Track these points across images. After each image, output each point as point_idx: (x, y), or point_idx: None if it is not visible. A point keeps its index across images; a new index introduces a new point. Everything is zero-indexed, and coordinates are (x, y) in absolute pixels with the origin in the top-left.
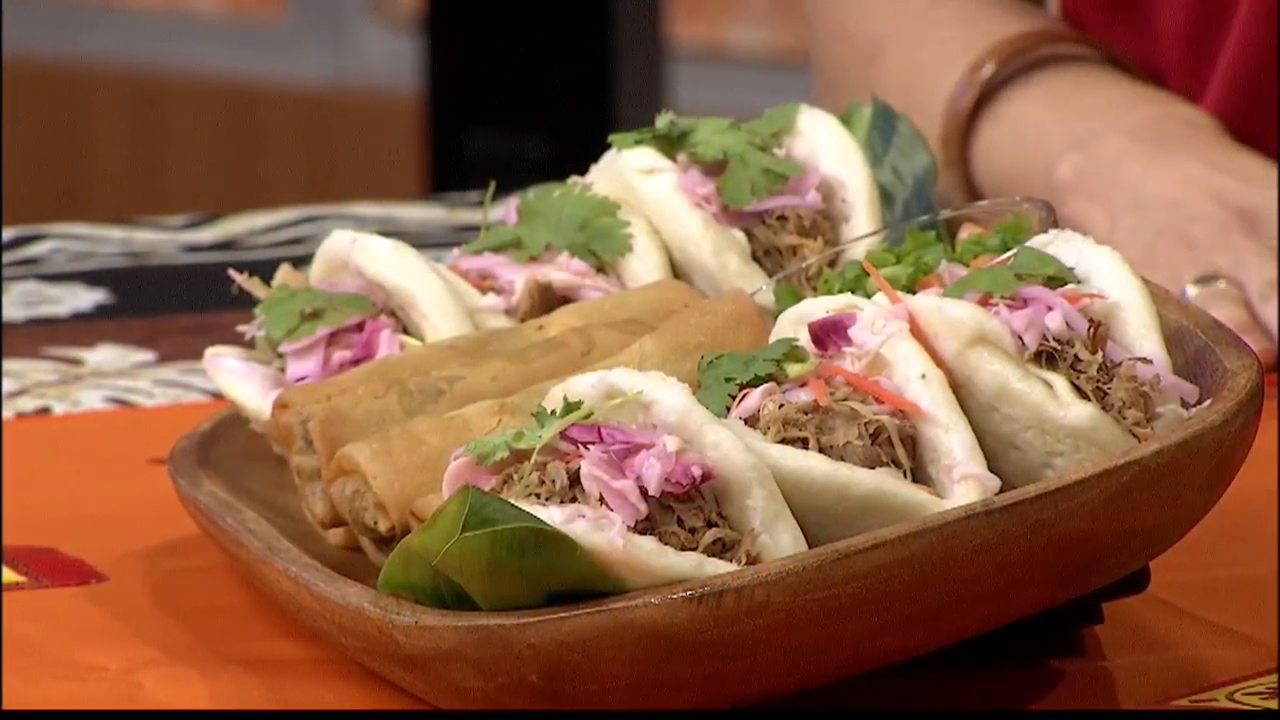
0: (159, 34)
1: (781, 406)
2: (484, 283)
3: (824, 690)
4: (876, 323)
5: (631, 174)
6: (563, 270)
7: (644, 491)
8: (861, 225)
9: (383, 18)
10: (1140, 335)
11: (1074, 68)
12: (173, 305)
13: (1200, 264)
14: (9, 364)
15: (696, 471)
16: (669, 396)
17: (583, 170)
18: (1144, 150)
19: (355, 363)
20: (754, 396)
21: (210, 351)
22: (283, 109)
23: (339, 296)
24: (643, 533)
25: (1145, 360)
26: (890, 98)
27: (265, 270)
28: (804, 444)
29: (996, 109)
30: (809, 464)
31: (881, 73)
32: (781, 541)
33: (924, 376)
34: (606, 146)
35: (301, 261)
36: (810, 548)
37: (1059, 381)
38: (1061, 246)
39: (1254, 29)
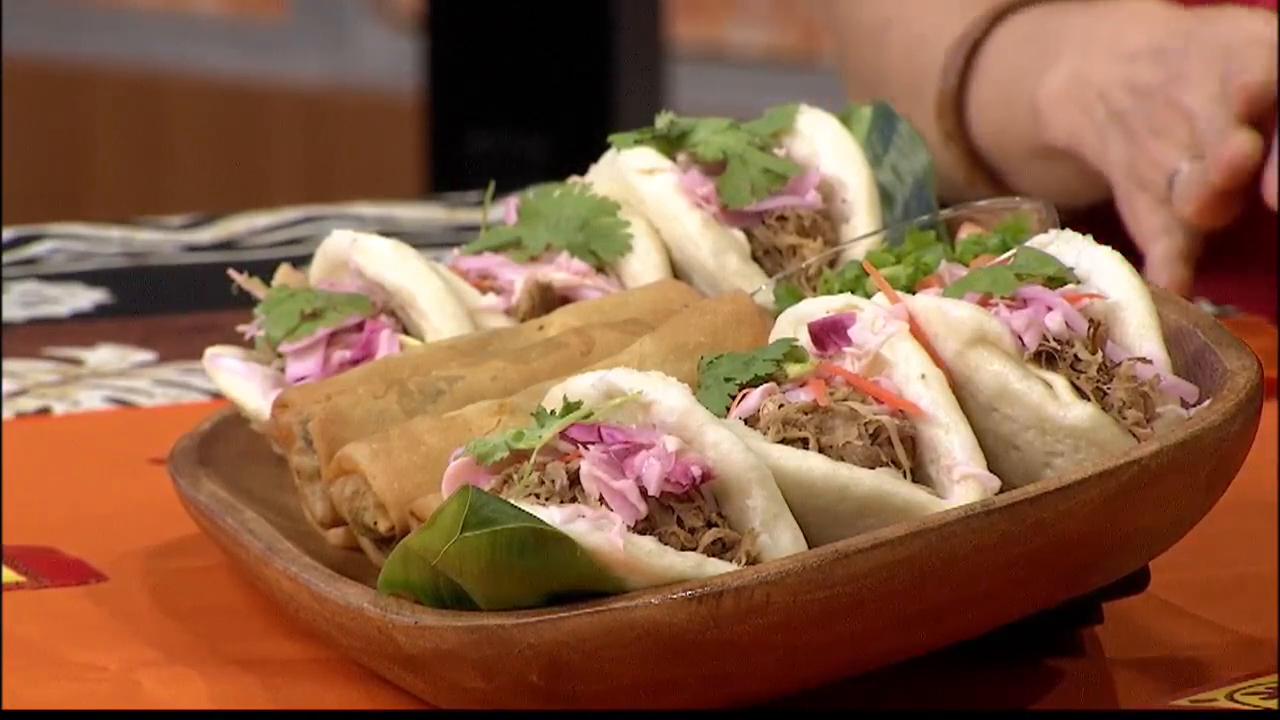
0: (159, 34)
1: (781, 406)
2: (484, 283)
3: (824, 690)
4: (876, 323)
5: (631, 174)
6: (563, 270)
7: (644, 491)
8: (861, 225)
9: (383, 18)
10: (1140, 335)
11: (1037, 9)
12: (173, 305)
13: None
14: (9, 364)
15: (696, 471)
16: (669, 396)
17: (583, 170)
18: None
19: (355, 363)
20: (754, 396)
21: (210, 351)
22: (283, 109)
23: (339, 296)
24: (643, 533)
25: (1145, 360)
26: (894, 75)
27: (265, 270)
28: (804, 444)
29: (980, 64)
30: (809, 464)
31: (885, 50)
32: (781, 541)
33: (924, 376)
34: (606, 146)
35: (301, 261)
36: (810, 548)
37: (1059, 381)
38: (1061, 246)
39: None
